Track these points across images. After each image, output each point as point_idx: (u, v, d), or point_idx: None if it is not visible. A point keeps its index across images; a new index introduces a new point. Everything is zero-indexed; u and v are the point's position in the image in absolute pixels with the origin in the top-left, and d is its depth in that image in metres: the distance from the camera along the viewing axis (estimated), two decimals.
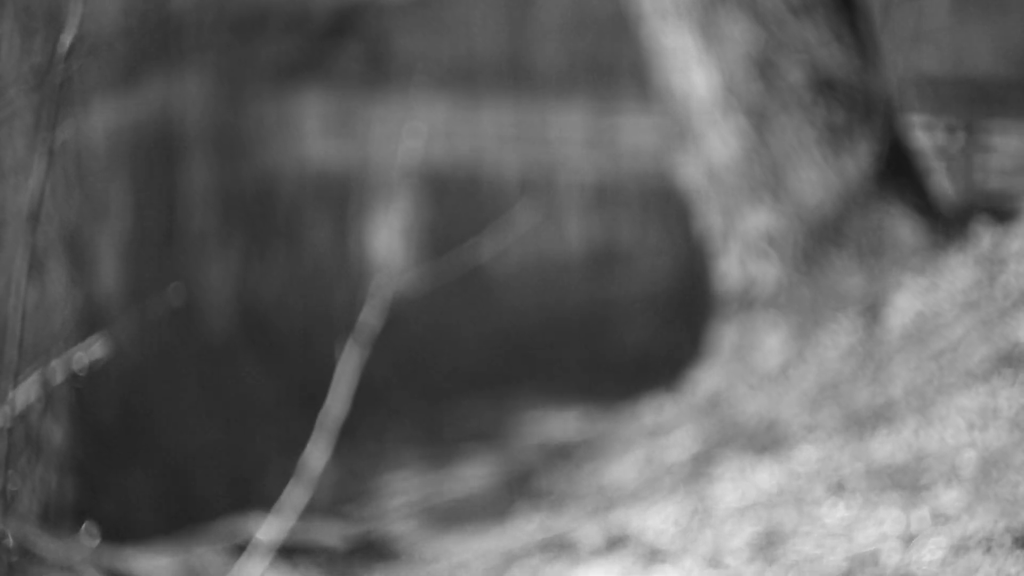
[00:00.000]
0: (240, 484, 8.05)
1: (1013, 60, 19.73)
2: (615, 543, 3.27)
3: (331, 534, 6.19)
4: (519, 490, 6.84)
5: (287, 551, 5.29)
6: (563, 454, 6.73)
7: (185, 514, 7.54)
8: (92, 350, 2.97)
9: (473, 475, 7.56)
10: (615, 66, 14.57)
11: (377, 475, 7.83)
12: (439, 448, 8.33)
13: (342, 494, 7.66)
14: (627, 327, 10.43)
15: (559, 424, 8.23)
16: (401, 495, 7.52)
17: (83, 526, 5.01)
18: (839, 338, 5.82)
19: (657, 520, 3.22)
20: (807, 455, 3.60)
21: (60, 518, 6.34)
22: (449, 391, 9.26)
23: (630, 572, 3.15)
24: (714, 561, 2.93)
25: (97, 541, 5.71)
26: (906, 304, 5.69)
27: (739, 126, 6.33)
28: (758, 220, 6.35)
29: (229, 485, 8.08)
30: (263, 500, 7.24)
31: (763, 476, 3.38)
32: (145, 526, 7.34)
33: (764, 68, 6.26)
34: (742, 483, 3.35)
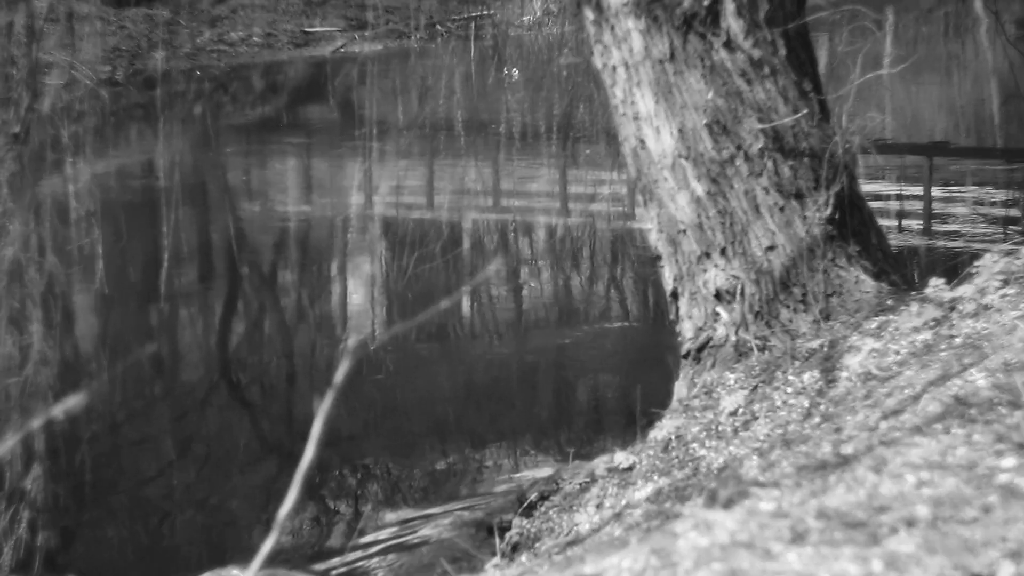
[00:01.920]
0: (215, 533, 8.05)
1: (961, 126, 20.06)
2: None
3: None
4: (487, 537, 6.89)
5: None
6: (529, 501, 6.79)
7: (160, 563, 7.54)
8: (70, 402, 3.03)
9: (444, 523, 7.60)
10: (585, 124, 14.76)
11: (350, 524, 7.84)
12: (413, 497, 8.36)
13: (316, 543, 7.67)
14: (592, 377, 10.52)
15: (526, 471, 8.30)
16: (375, 544, 7.54)
17: (58, 573, 5.02)
18: (794, 391, 5.89)
19: (619, 565, 3.28)
20: (764, 504, 3.65)
21: (37, 566, 6.32)
22: (420, 441, 9.30)
23: None
24: None
25: None
26: (859, 358, 5.76)
27: (694, 186, 6.43)
28: (714, 277, 6.46)
29: (204, 534, 8.08)
30: (238, 550, 7.27)
31: (721, 524, 3.44)
32: (120, 573, 7.33)
33: (719, 130, 6.37)
34: (700, 530, 3.41)
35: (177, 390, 10.80)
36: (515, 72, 18.49)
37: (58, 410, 3.03)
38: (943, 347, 5.28)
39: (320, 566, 7.06)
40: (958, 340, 5.26)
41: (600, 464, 6.46)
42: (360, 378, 9.26)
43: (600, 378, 10.58)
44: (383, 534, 7.69)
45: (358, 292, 12.60)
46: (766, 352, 6.28)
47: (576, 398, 10.18)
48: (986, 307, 5.47)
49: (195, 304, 12.85)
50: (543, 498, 6.57)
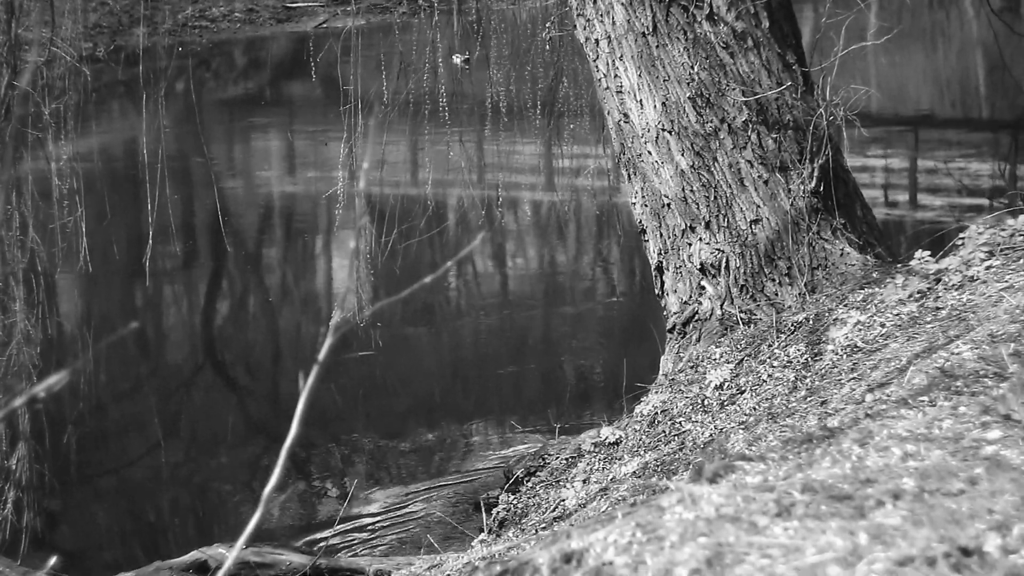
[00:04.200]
0: (202, 511, 8.05)
1: (946, 97, 20.08)
2: (565, 562, 3.33)
3: (294, 560, 6.23)
4: (474, 512, 6.91)
5: None
6: (516, 476, 6.81)
7: (147, 541, 7.54)
8: (53, 381, 3.01)
9: (431, 499, 7.61)
10: (570, 100, 14.74)
11: (337, 502, 7.85)
12: (400, 474, 8.38)
13: (304, 520, 7.69)
14: (578, 352, 10.53)
15: (513, 447, 8.31)
16: (363, 520, 7.55)
17: (45, 553, 5.02)
18: (779, 364, 5.90)
19: (605, 540, 3.28)
20: (750, 478, 3.65)
21: (22, 545, 6.31)
22: (407, 418, 9.30)
23: None
24: None
25: (56, 566, 5.67)
26: (845, 331, 5.77)
27: (678, 159, 6.42)
28: (699, 250, 6.45)
29: (191, 512, 8.08)
30: (225, 527, 7.27)
31: (707, 498, 3.43)
32: (106, 553, 7.33)
33: (702, 103, 6.35)
34: (686, 504, 3.41)
35: (162, 369, 10.79)
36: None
37: (41, 389, 3.01)
38: (929, 319, 5.28)
39: (307, 543, 7.06)
40: (943, 312, 5.26)
41: (587, 439, 6.47)
42: (347, 355, 9.26)
43: (586, 353, 10.58)
44: (370, 511, 7.70)
45: (343, 269, 12.58)
46: (752, 325, 6.28)
47: (562, 373, 10.19)
48: (971, 279, 5.47)
49: (180, 282, 12.83)
50: (530, 474, 6.58)
